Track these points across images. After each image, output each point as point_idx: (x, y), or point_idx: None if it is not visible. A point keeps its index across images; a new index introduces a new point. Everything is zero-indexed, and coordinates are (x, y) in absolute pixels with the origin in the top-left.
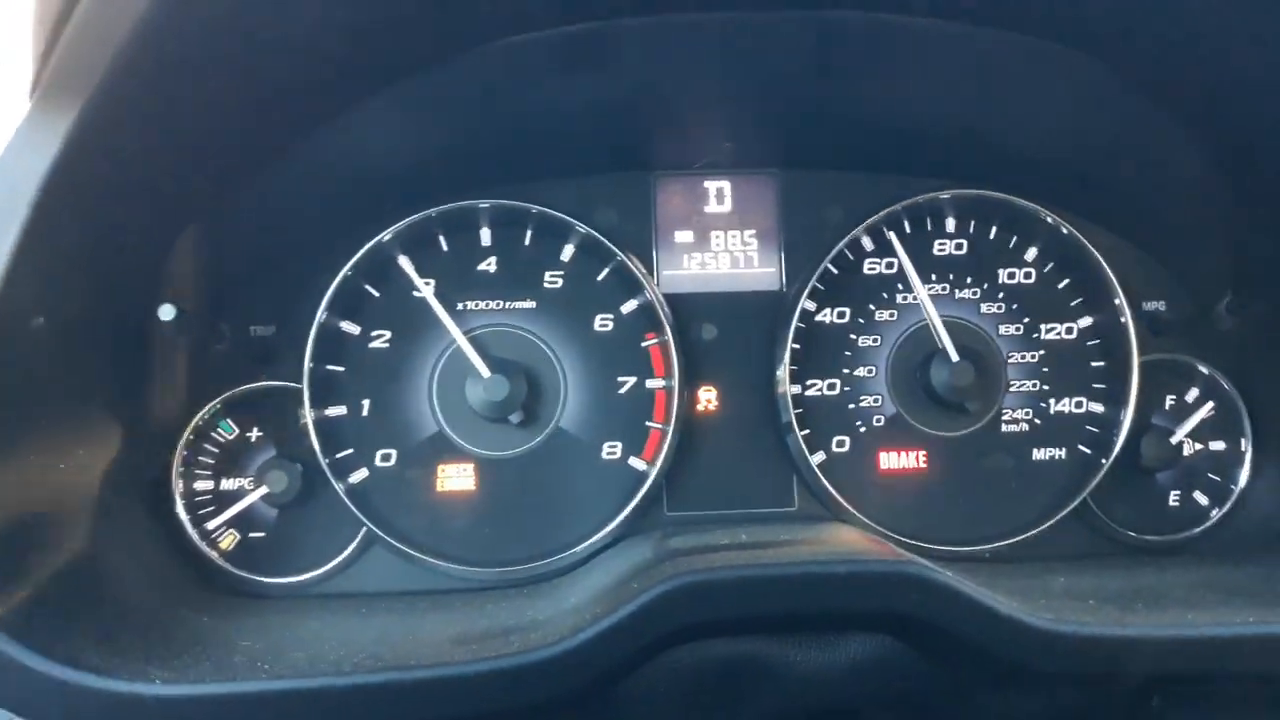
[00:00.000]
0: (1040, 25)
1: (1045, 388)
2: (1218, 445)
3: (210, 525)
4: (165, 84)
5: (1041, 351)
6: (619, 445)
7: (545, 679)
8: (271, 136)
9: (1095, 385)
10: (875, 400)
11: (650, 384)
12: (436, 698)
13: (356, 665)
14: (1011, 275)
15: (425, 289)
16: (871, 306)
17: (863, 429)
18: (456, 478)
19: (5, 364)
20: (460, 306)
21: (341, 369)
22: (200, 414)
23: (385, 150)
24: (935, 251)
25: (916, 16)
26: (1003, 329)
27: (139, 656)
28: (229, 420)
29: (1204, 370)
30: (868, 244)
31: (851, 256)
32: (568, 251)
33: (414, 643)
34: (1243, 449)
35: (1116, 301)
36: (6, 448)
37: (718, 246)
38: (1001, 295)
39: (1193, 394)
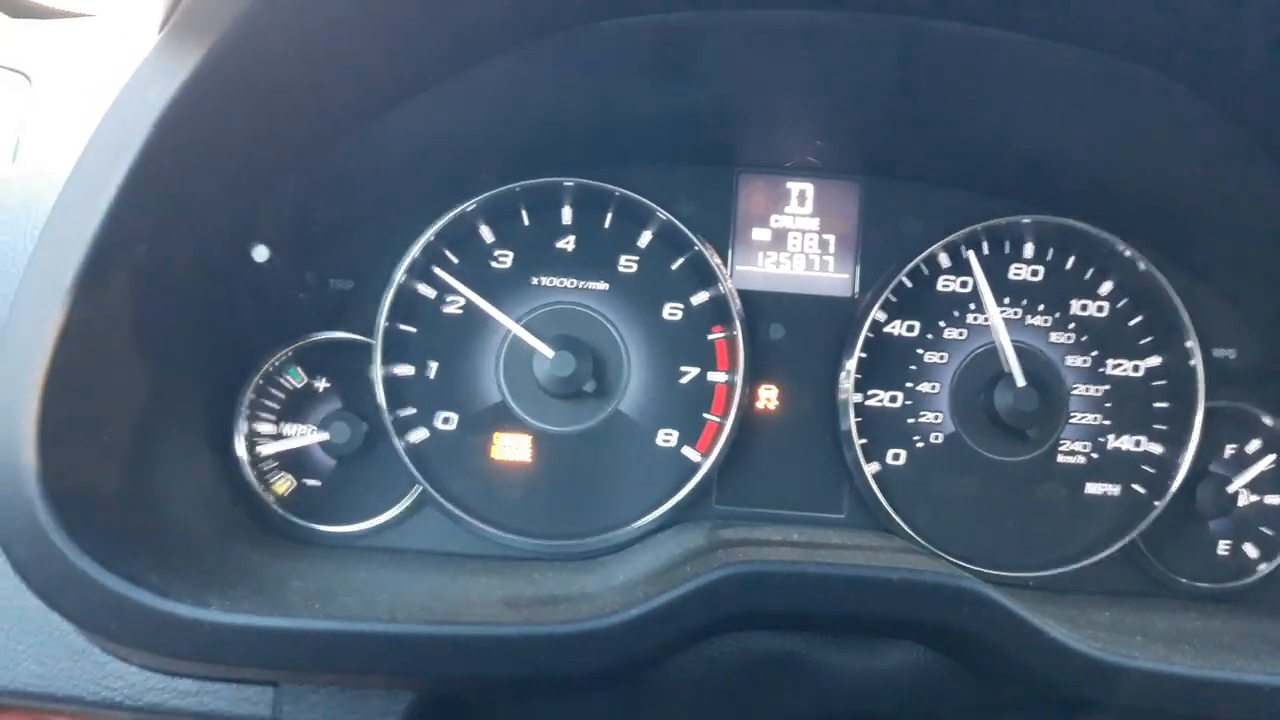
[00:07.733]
0: (1128, 47)
1: (1106, 423)
2: (1274, 499)
3: (267, 467)
4: (293, 32)
5: (1106, 386)
6: (675, 434)
7: (593, 650)
8: (378, 95)
9: (1157, 426)
10: (935, 417)
11: (712, 376)
12: (484, 656)
13: (408, 615)
14: (1084, 307)
15: (466, 290)
16: (941, 323)
17: (920, 444)
18: (513, 448)
19: (105, 284)
20: (535, 281)
21: (414, 330)
22: (273, 358)
23: (477, 123)
24: (1010, 275)
25: (990, 27)
26: (1070, 360)
27: (197, 583)
28: (298, 368)
29: (1268, 423)
30: (944, 261)
31: (927, 271)
32: (645, 238)
33: (465, 601)
34: None
35: (1188, 344)
36: (90, 367)
37: (794, 248)
38: (1072, 326)
39: (1254, 445)
